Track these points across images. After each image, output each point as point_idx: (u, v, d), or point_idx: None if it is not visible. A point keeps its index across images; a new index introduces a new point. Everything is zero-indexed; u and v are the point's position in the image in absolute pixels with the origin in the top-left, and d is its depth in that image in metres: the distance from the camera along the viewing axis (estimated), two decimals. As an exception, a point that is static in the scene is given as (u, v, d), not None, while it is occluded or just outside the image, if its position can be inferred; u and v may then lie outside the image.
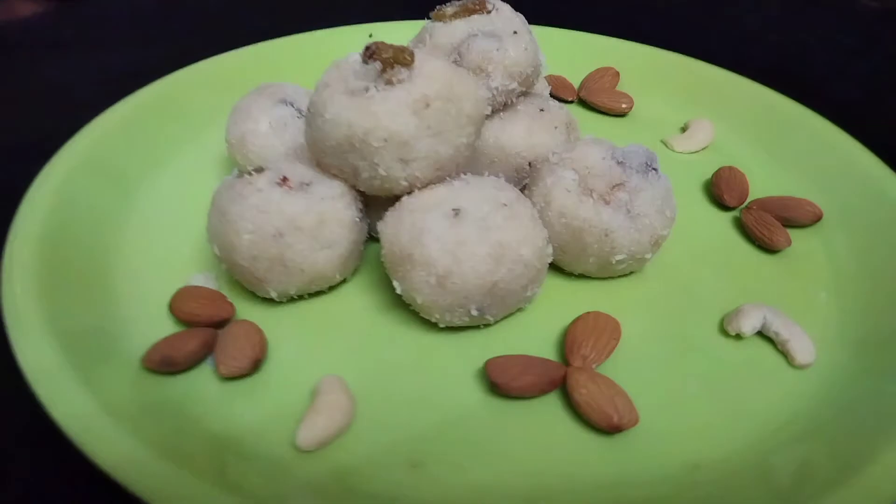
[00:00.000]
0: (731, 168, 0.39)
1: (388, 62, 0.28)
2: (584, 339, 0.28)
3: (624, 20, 0.63)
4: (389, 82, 0.28)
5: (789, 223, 0.36)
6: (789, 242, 0.34)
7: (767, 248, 0.35)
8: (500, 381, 0.26)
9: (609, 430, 0.25)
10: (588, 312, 0.30)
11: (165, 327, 0.29)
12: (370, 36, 0.51)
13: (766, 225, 0.35)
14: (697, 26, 0.64)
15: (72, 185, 0.33)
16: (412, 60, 0.28)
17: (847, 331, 0.31)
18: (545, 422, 0.26)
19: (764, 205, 0.37)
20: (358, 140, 0.28)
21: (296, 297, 0.30)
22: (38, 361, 0.24)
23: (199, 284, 0.30)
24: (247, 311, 0.30)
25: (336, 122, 0.28)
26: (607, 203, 0.30)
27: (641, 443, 0.26)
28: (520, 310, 0.31)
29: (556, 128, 0.35)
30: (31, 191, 0.32)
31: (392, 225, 0.29)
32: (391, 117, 0.27)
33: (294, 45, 0.48)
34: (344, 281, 0.32)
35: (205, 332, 0.28)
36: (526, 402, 0.27)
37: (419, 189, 0.29)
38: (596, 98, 0.46)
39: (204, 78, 0.43)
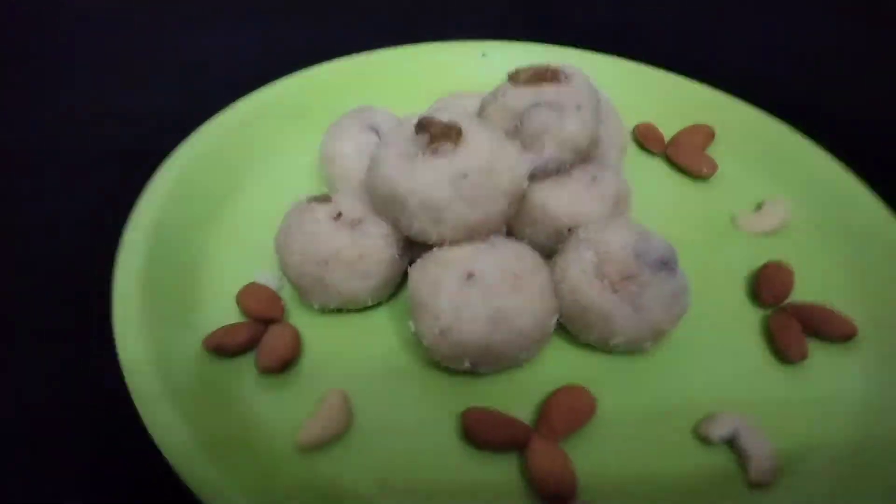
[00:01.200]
0: (779, 266, 0.39)
1: (435, 136, 0.31)
2: (555, 412, 0.32)
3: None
4: (435, 153, 0.32)
5: (818, 335, 0.36)
6: (803, 357, 0.35)
7: (781, 358, 0.36)
8: (470, 432, 0.31)
9: (547, 500, 0.29)
10: (569, 386, 0.33)
11: (233, 315, 0.36)
12: (483, 55, 0.54)
13: (788, 334, 0.36)
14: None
15: (188, 177, 0.40)
16: (458, 137, 0.32)
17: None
18: (502, 476, 0.30)
19: (798, 311, 0.37)
20: (400, 198, 0.32)
21: (335, 310, 0.36)
22: (130, 342, 0.32)
23: (263, 281, 0.37)
24: (296, 313, 0.36)
25: (385, 179, 0.32)
26: (616, 291, 0.33)
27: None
28: (517, 366, 0.34)
29: (602, 200, 0.37)
30: (153, 182, 0.39)
31: (417, 272, 0.33)
32: (429, 185, 0.31)
33: (408, 57, 0.53)
34: (380, 303, 0.37)
35: (254, 327, 0.34)
36: (493, 453, 0.31)
37: (449, 244, 0.33)
38: (680, 157, 0.47)
39: (317, 84, 0.49)
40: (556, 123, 0.35)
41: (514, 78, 0.37)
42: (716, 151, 0.48)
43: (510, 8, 0.67)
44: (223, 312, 0.35)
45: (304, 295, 0.35)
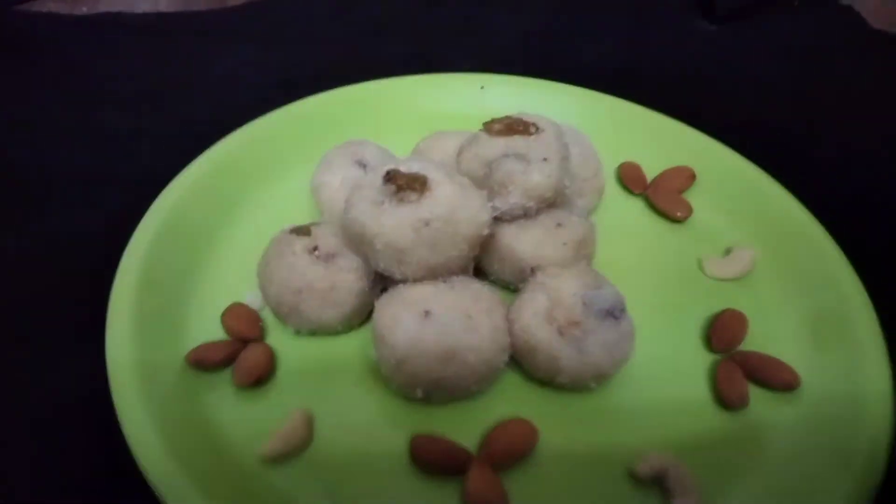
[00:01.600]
0: (734, 313, 0.41)
1: (401, 187, 0.35)
2: (496, 441, 0.34)
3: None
4: (401, 201, 0.35)
5: (761, 383, 0.38)
6: (742, 403, 0.37)
7: (722, 403, 0.38)
8: (416, 455, 0.34)
9: (476, 523, 0.32)
10: (515, 419, 0.36)
11: (218, 332, 0.39)
12: (481, 88, 0.57)
13: (731, 380, 0.38)
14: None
15: (184, 204, 0.44)
16: (422, 187, 0.35)
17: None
18: (445, 500, 0.33)
19: (744, 358, 0.39)
20: (367, 239, 0.35)
21: (309, 333, 0.39)
22: (119, 349, 0.36)
23: (249, 302, 0.40)
24: (274, 332, 0.40)
25: (355, 221, 0.36)
26: (562, 335, 0.35)
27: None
28: (469, 397, 0.37)
29: (564, 244, 0.40)
30: (142, 223, 0.42)
31: (381, 306, 0.36)
32: (393, 230, 0.34)
33: (407, 87, 0.56)
34: (352, 329, 0.40)
35: (233, 346, 0.38)
36: (439, 477, 0.34)
37: (412, 282, 0.37)
38: (656, 198, 0.49)
39: (316, 113, 0.52)
40: (521, 174, 0.38)
41: (489, 128, 0.40)
42: (695, 194, 0.50)
43: (515, 42, 0.70)
44: (209, 329, 0.39)
45: (281, 319, 0.39)
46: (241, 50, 0.67)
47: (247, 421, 0.36)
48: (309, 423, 0.35)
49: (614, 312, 0.36)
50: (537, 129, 0.40)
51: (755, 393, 0.38)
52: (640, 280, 0.44)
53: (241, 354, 0.37)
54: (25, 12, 0.68)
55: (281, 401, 0.37)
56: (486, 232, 0.37)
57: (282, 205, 0.47)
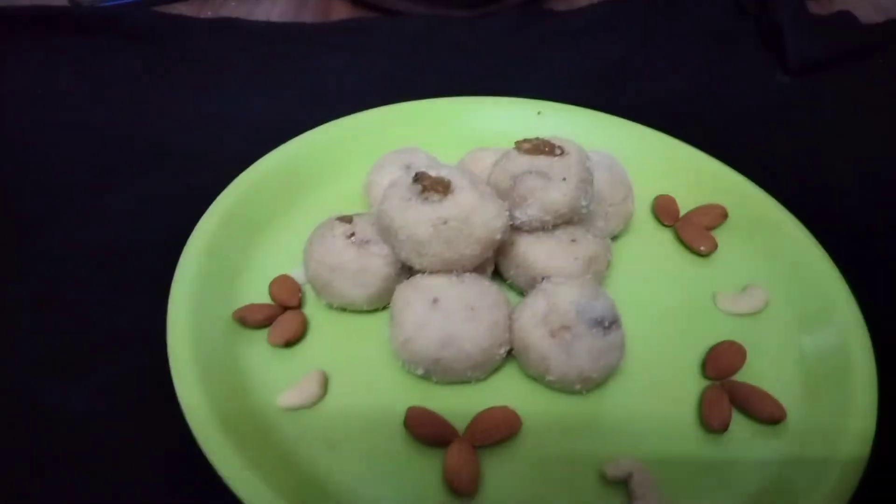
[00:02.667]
0: (732, 345, 0.43)
1: (426, 188, 0.40)
2: (481, 422, 0.38)
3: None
4: (426, 200, 0.40)
5: (747, 412, 0.40)
6: (723, 427, 0.39)
7: (705, 426, 0.40)
8: (409, 423, 0.38)
9: (452, 492, 0.36)
10: (501, 407, 0.39)
11: (265, 299, 0.45)
12: (538, 113, 0.61)
13: (716, 404, 0.40)
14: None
15: (255, 188, 0.50)
16: (445, 192, 0.39)
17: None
18: (428, 467, 0.38)
19: (733, 387, 0.41)
20: (393, 230, 0.40)
21: (340, 308, 0.45)
22: (180, 298, 0.42)
23: (295, 275, 0.46)
24: (312, 304, 0.46)
25: (385, 213, 0.41)
26: (553, 337, 0.39)
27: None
28: (467, 382, 0.41)
29: (576, 259, 0.43)
30: (219, 197, 0.49)
31: (399, 290, 0.41)
32: (415, 224, 0.39)
33: (470, 106, 0.61)
34: (377, 310, 0.45)
35: (273, 309, 0.44)
36: (427, 446, 0.39)
37: (429, 273, 0.41)
38: (684, 231, 0.51)
39: (385, 121, 0.58)
40: (541, 189, 0.42)
41: (519, 146, 0.45)
42: (725, 231, 0.52)
43: (587, 75, 0.73)
44: (258, 295, 0.45)
45: (317, 292, 0.44)
46: (337, 57, 0.74)
47: (273, 374, 0.41)
48: (323, 383, 0.41)
49: (604, 322, 0.39)
50: (562, 151, 0.43)
51: (741, 423, 0.40)
52: (651, 303, 0.47)
53: (278, 318, 0.43)
54: (160, 13, 0.79)
55: (305, 361, 0.42)
56: (498, 237, 0.41)
57: (339, 199, 0.53)
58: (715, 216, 0.53)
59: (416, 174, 0.40)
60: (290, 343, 0.43)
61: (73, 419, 0.40)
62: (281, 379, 0.41)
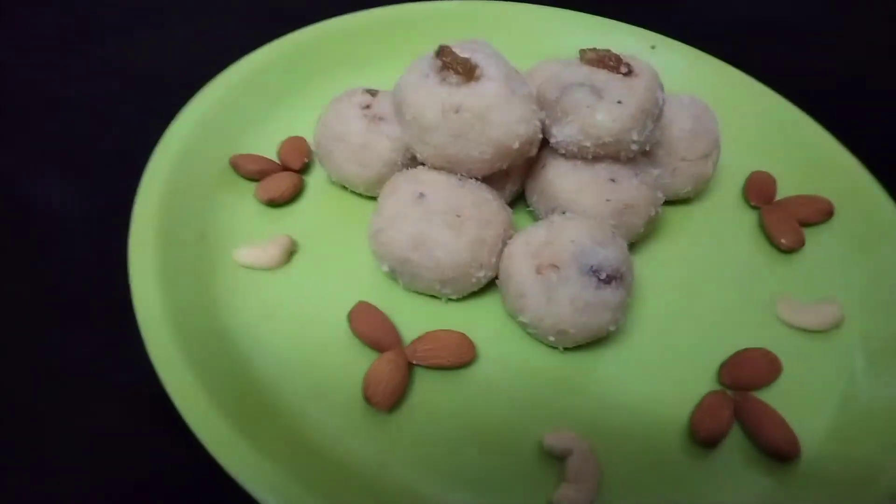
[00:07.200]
0: (766, 354, 0.35)
1: (447, 66, 0.34)
2: (427, 339, 0.34)
3: None
4: (443, 80, 0.34)
5: (751, 437, 0.32)
6: (710, 444, 0.32)
7: (691, 434, 0.33)
8: (352, 318, 0.34)
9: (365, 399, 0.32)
10: (458, 332, 0.34)
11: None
12: (653, 47, 0.52)
13: (711, 414, 0.33)
14: None
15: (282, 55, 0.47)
16: (469, 77, 0.34)
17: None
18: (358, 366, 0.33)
19: (744, 402, 0.33)
20: (401, 107, 0.35)
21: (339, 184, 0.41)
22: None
23: (311, 142, 0.43)
24: (316, 174, 0.42)
25: (398, 87, 0.36)
26: (538, 274, 0.33)
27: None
28: (437, 299, 0.36)
29: (607, 201, 0.36)
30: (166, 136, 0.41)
31: (393, 178, 0.37)
32: (423, 105, 0.34)
33: (583, 20, 0.53)
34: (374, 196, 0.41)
35: (271, 165, 0.41)
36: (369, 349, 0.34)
37: (431, 167, 0.36)
38: (769, 218, 0.42)
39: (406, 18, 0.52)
40: (587, 107, 0.35)
41: (583, 54, 0.37)
42: (822, 231, 0.42)
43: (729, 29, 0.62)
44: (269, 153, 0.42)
45: (319, 160, 0.41)
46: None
47: (245, 231, 0.38)
48: (287, 252, 0.37)
49: (600, 274, 0.32)
50: (630, 70, 0.36)
51: (738, 445, 0.33)
52: (689, 285, 0.39)
53: (273, 174, 0.40)
54: None
55: (281, 227, 0.39)
56: (517, 146, 0.35)
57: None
58: (816, 211, 0.43)
59: (440, 47, 0.34)
60: (275, 202, 0.39)
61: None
62: (250, 238, 0.38)
